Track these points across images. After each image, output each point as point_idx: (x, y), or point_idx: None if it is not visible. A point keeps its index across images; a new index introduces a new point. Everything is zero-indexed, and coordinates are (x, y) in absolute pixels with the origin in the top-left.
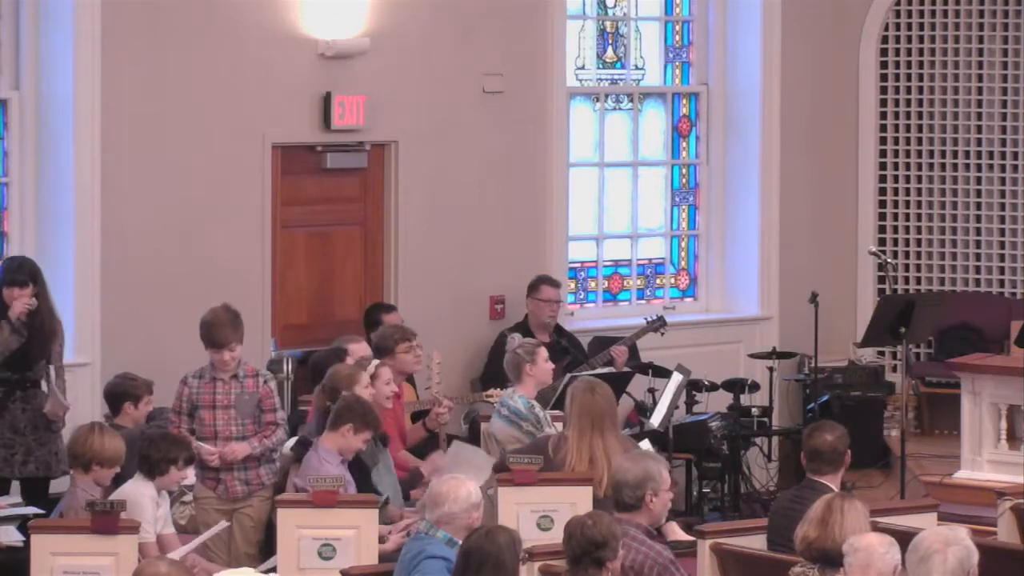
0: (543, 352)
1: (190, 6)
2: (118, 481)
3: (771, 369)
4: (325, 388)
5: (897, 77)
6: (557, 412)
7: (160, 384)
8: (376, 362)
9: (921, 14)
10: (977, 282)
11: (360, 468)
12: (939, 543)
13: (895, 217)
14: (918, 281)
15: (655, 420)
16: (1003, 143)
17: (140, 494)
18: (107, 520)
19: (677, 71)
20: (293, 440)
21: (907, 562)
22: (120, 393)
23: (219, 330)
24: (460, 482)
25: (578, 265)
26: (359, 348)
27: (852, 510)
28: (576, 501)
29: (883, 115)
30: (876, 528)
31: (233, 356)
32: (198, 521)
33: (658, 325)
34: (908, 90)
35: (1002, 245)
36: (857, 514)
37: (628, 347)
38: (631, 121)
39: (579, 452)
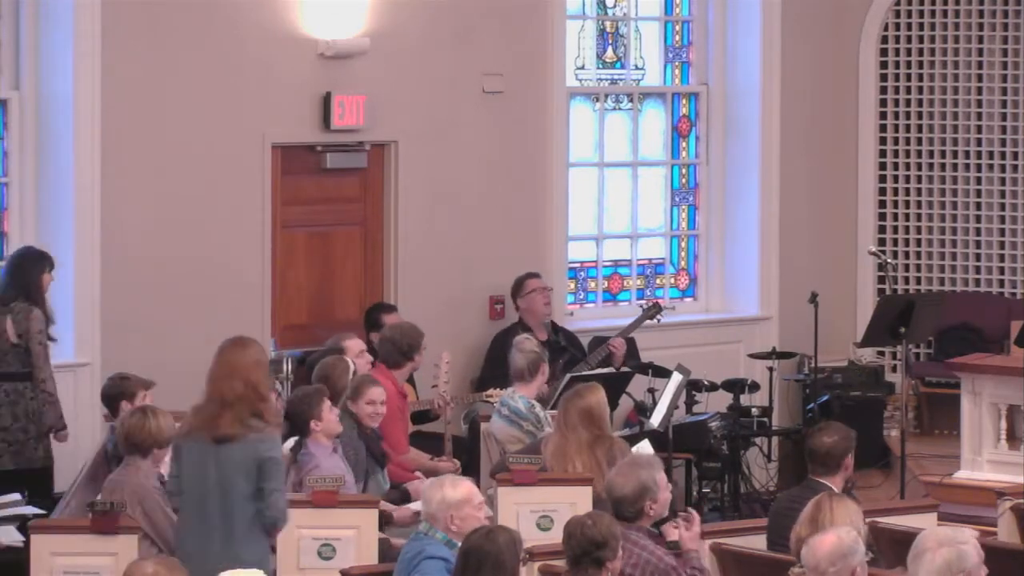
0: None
1: (190, 6)
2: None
3: (771, 369)
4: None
5: (897, 77)
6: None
7: (160, 384)
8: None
9: (921, 14)
10: (977, 282)
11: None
12: (933, 543)
13: (895, 217)
14: (918, 281)
15: (655, 420)
16: (1003, 143)
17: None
18: (107, 520)
19: (677, 71)
20: (292, 440)
21: (908, 558)
22: (115, 394)
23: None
24: (440, 483)
25: (578, 265)
26: (354, 344)
27: (841, 507)
28: (576, 501)
29: (883, 115)
30: (876, 528)
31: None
32: None
33: (654, 312)
34: (908, 90)
35: (1002, 245)
36: (846, 510)
37: (626, 339)
38: (631, 121)
39: (549, 448)
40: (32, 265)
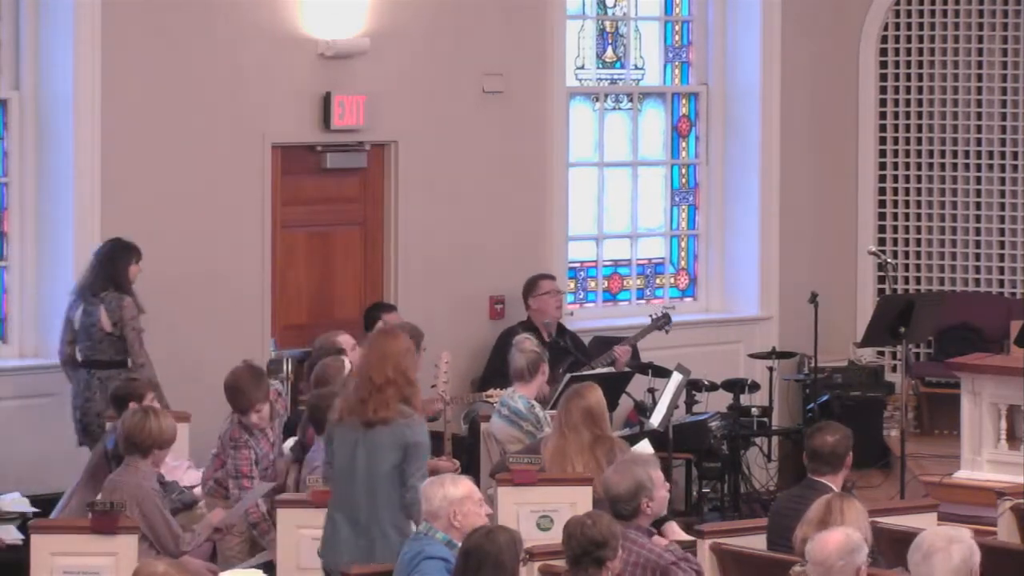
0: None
1: (190, 6)
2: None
3: (771, 369)
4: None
5: (897, 77)
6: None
7: (161, 384)
8: (343, 358)
9: (921, 14)
10: (977, 282)
11: None
12: (942, 541)
13: (895, 217)
14: (918, 281)
15: (655, 420)
16: (1003, 143)
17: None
18: (107, 520)
19: (677, 71)
20: (292, 440)
21: (909, 561)
22: (124, 395)
23: (240, 395)
24: (440, 481)
25: (578, 265)
26: (346, 340)
27: (851, 510)
28: (576, 501)
29: (883, 115)
30: (876, 528)
31: (262, 416)
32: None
33: (663, 323)
34: (908, 90)
35: (1002, 245)
36: (856, 514)
37: (631, 347)
38: (631, 121)
39: (547, 448)
40: (120, 256)
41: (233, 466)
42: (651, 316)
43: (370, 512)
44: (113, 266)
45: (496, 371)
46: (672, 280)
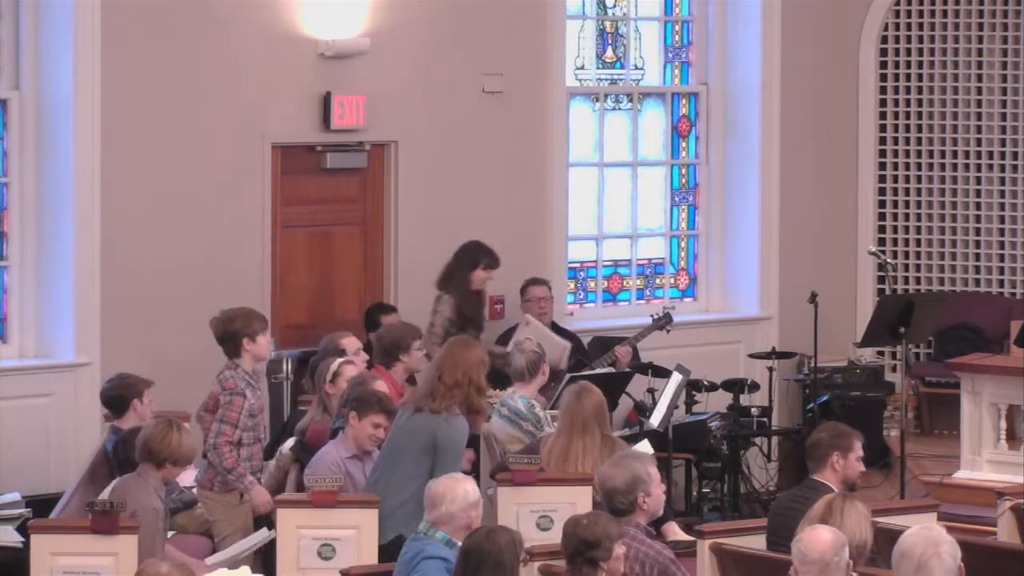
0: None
1: (190, 6)
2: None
3: (771, 369)
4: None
5: (897, 77)
6: (556, 412)
7: (160, 384)
8: (339, 360)
9: (921, 14)
10: (977, 282)
11: None
12: (931, 546)
13: (895, 217)
14: (918, 281)
15: (655, 420)
16: (1003, 143)
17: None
18: (107, 520)
19: (677, 71)
20: (292, 440)
21: (897, 570)
22: (122, 395)
23: (252, 318)
24: (456, 481)
25: (578, 265)
26: (350, 343)
27: (852, 510)
28: (576, 501)
29: (883, 115)
30: (876, 528)
31: (267, 340)
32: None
33: (664, 323)
34: (908, 90)
35: (1002, 245)
36: (857, 514)
37: (632, 347)
38: (631, 121)
39: (554, 447)
40: (466, 258)
41: (222, 414)
42: (652, 316)
43: (386, 487)
44: (455, 264)
45: (495, 372)
46: (672, 280)
